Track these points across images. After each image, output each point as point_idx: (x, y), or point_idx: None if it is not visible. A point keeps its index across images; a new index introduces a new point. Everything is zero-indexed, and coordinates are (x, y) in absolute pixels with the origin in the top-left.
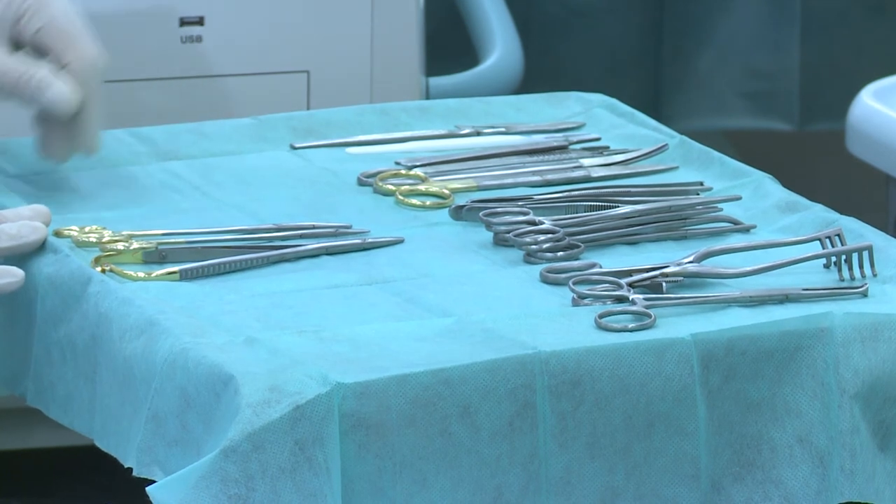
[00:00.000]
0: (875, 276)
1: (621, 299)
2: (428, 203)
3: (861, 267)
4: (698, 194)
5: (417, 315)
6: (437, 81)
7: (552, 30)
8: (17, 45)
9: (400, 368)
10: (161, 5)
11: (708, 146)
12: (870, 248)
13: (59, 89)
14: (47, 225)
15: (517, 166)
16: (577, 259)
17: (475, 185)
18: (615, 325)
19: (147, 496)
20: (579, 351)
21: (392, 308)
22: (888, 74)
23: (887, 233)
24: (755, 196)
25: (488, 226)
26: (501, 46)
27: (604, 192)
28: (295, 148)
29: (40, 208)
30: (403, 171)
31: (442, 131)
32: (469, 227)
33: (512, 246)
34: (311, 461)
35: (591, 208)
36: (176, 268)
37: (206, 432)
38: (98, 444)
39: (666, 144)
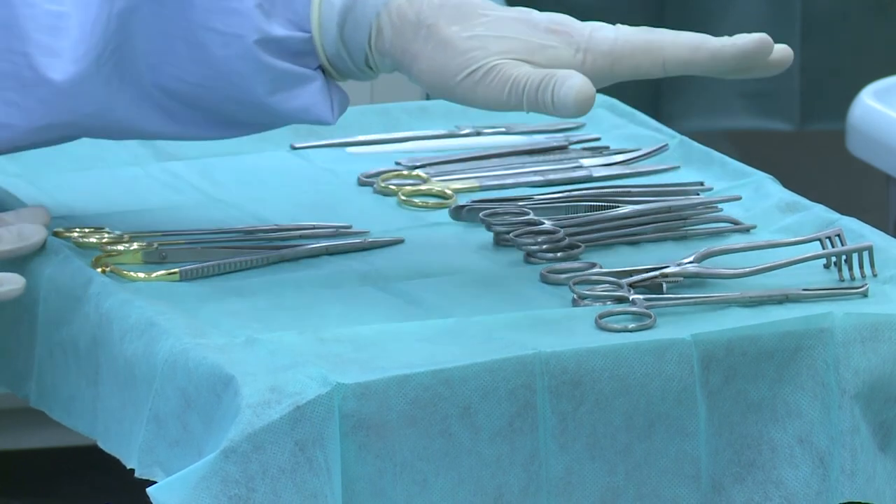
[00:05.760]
0: (875, 276)
1: (621, 299)
2: (431, 203)
3: (861, 267)
4: (698, 194)
5: (418, 315)
6: None
7: None
8: None
9: (400, 369)
10: None
11: (708, 146)
12: (870, 249)
13: (573, 83)
14: (47, 226)
15: (518, 166)
16: (577, 259)
17: (477, 185)
18: (615, 326)
19: (147, 496)
20: (580, 351)
21: (392, 308)
22: (888, 74)
23: (887, 233)
24: (755, 196)
25: (488, 226)
26: None
27: (604, 193)
28: (295, 148)
29: (40, 209)
30: (405, 172)
31: (442, 131)
32: (469, 227)
33: (512, 246)
34: (312, 462)
35: (592, 208)
36: (176, 268)
37: (206, 433)
38: (101, 445)
39: (666, 144)
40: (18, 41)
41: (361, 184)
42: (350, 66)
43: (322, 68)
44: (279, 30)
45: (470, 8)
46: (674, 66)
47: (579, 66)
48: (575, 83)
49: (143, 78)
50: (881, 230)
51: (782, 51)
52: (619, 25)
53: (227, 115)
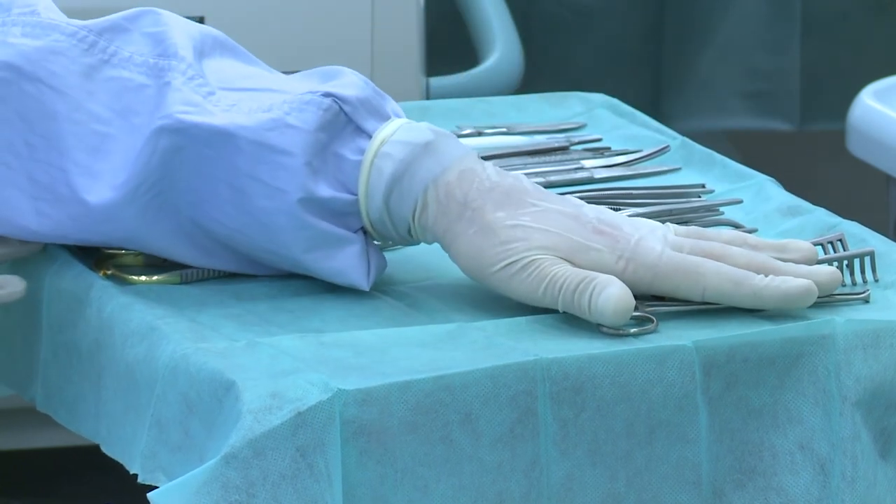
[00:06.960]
0: (877, 281)
1: None
2: None
3: (863, 272)
4: (700, 197)
5: (419, 320)
6: (438, 81)
7: (552, 30)
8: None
9: (402, 375)
10: (161, 5)
11: (708, 146)
12: (872, 254)
13: (612, 293)
14: None
15: (519, 167)
16: None
17: None
18: (617, 332)
19: (147, 498)
20: (581, 358)
21: (393, 313)
22: (888, 74)
23: (888, 233)
24: (757, 199)
25: None
26: (501, 46)
27: (606, 195)
28: None
29: None
30: None
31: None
32: None
33: None
34: (313, 468)
35: None
36: (177, 271)
37: (208, 438)
38: (105, 449)
39: (668, 146)
40: (58, 155)
41: None
42: (392, 233)
43: (364, 229)
44: (325, 189)
45: (519, 195)
46: (713, 296)
47: (620, 273)
48: (614, 293)
49: (181, 213)
50: (881, 231)
51: (829, 274)
52: (667, 231)
53: (260, 259)
